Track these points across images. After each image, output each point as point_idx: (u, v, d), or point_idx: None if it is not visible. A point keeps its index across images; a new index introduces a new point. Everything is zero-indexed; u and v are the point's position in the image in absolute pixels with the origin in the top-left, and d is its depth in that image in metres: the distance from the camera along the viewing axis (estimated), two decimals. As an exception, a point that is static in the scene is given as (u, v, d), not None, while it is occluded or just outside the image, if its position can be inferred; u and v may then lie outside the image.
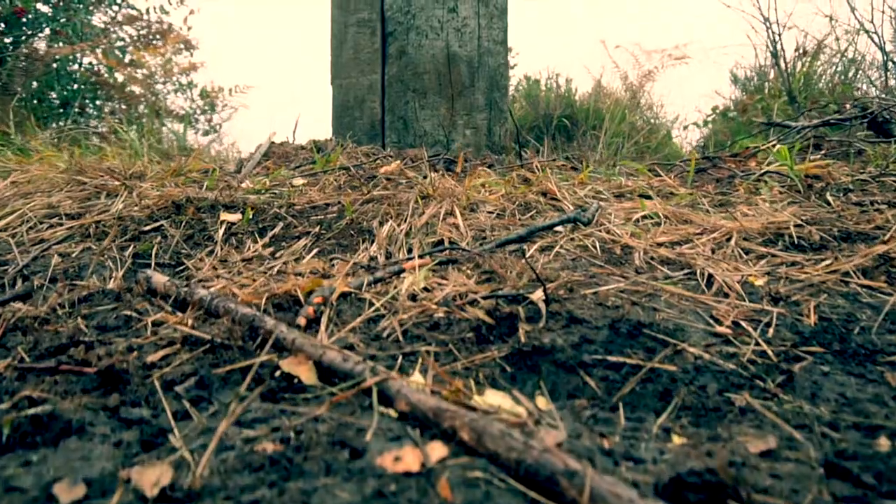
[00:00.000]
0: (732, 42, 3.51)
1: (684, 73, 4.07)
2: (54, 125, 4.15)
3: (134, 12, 4.85)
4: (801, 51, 3.39)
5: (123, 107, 3.88)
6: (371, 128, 2.47)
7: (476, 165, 1.95)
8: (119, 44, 4.20)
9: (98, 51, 3.97)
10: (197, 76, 5.28)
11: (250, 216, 1.40)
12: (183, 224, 1.38)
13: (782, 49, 2.63)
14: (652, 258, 1.22)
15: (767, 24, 2.66)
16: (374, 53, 2.47)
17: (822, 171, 1.60)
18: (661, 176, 1.82)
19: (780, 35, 2.61)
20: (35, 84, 3.84)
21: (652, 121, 3.73)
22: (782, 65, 2.57)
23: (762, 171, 1.65)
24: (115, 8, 4.80)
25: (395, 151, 2.29)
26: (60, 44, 3.72)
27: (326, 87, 2.63)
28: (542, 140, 3.61)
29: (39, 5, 4.27)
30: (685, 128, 3.67)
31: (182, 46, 5.38)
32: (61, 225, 1.42)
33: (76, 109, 3.98)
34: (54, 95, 4.22)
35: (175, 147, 3.53)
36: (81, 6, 4.41)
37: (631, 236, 1.31)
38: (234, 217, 1.41)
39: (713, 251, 1.22)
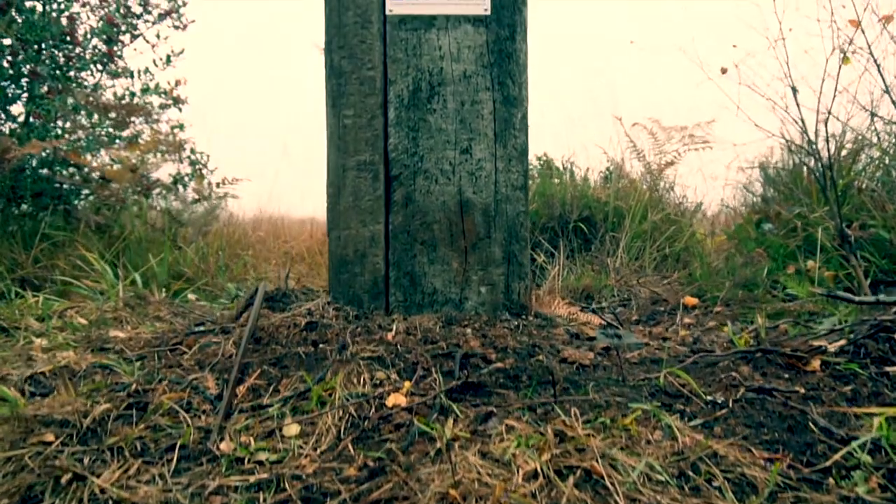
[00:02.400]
0: (759, 119, 3.23)
1: (707, 157, 3.78)
2: (27, 207, 3.83)
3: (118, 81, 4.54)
4: (840, 158, 3.11)
5: (104, 212, 3.58)
6: (373, 285, 2.18)
7: (501, 393, 1.66)
8: (99, 130, 3.89)
9: (77, 138, 3.66)
10: (187, 132, 4.97)
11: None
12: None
13: (831, 181, 2.34)
14: None
15: (816, 154, 2.36)
16: (377, 201, 2.18)
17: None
18: (716, 401, 1.53)
19: (830, 167, 2.31)
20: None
21: (674, 217, 3.45)
22: (832, 197, 2.28)
23: (857, 444, 1.36)
24: (98, 73, 4.50)
25: (403, 326, 2.00)
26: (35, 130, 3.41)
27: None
28: (558, 242, 3.33)
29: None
30: (713, 233, 3.38)
31: (171, 103, 5.09)
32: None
33: (53, 201, 3.68)
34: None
35: (161, 235, 3.24)
36: (56, 76, 4.10)
37: None
38: (208, 553, 1.12)
39: None
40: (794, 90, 2.59)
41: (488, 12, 2.17)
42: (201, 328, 2.38)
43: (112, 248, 3.29)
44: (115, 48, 4.16)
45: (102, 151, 4.27)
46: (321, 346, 1.87)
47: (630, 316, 2.70)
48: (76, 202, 3.69)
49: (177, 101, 5.10)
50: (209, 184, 3.70)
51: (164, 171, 4.85)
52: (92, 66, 4.47)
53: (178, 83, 4.64)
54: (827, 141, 2.28)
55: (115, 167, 3.45)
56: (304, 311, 2.08)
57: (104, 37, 4.14)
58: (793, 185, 3.00)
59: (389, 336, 1.94)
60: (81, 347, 2.10)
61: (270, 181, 7.43)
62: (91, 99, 3.79)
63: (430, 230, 2.17)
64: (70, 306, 2.47)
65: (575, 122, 4.02)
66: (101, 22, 4.28)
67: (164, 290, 2.77)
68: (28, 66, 3.88)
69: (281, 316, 2.06)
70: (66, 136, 3.50)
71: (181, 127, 5.07)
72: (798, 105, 2.32)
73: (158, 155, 3.75)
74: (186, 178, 4.83)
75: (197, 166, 4.98)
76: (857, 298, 1.97)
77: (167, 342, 2.09)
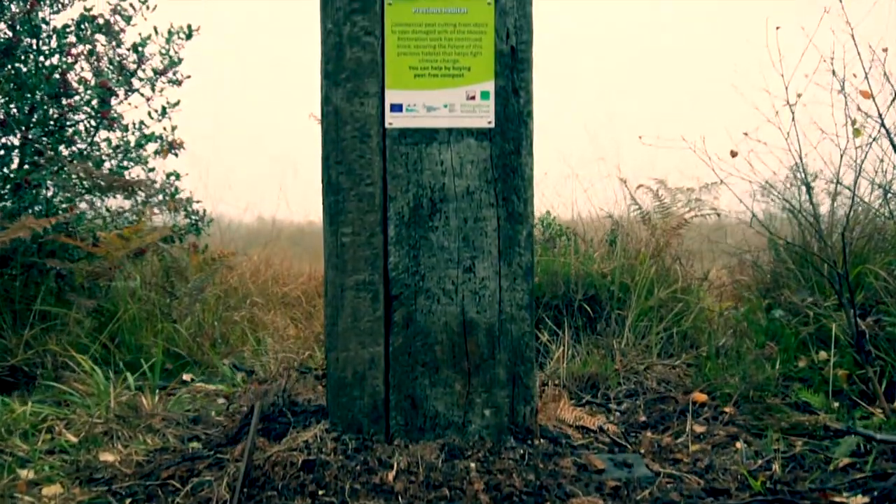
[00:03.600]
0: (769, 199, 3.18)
1: (715, 223, 3.71)
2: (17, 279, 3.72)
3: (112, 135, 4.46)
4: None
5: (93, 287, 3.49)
6: (373, 409, 2.10)
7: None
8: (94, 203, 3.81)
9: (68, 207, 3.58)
10: (182, 182, 4.88)
11: None
12: None
13: (847, 288, 2.26)
14: None
15: (831, 262, 2.27)
16: (377, 322, 2.10)
17: None
18: None
19: (847, 276, 2.23)
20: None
21: (681, 296, 3.37)
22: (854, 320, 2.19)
23: None
24: (92, 129, 4.42)
25: (404, 461, 1.92)
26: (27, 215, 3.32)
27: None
28: (562, 320, 3.25)
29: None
30: (721, 310, 3.30)
31: (167, 148, 5.01)
32: None
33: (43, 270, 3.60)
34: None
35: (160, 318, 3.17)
36: (49, 133, 4.02)
37: None
38: None
39: None
40: (809, 186, 2.51)
41: (493, 125, 2.09)
42: (195, 444, 2.31)
43: (105, 329, 3.21)
44: (110, 111, 4.07)
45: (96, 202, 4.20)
46: (320, 494, 1.79)
47: (637, 416, 2.62)
48: (68, 272, 3.60)
49: (172, 147, 5.02)
50: (204, 257, 3.62)
51: (158, 221, 4.77)
52: (86, 121, 4.40)
53: (174, 134, 4.56)
54: (844, 252, 2.19)
55: (106, 239, 3.36)
56: (301, 443, 2.00)
57: (98, 98, 4.06)
58: (801, 273, 2.92)
59: (390, 477, 1.86)
60: (69, 478, 2.02)
61: (271, 211, 7.38)
62: (89, 171, 3.71)
63: (431, 351, 2.09)
64: (59, 416, 2.39)
65: (580, 178, 3.94)
66: (94, 79, 4.20)
67: (157, 392, 2.69)
68: (20, 131, 3.81)
69: (277, 449, 1.98)
70: (59, 213, 3.41)
71: (177, 175, 4.98)
72: (815, 210, 2.24)
73: (155, 231, 3.66)
74: (182, 233, 4.75)
75: (194, 218, 4.91)
76: (878, 437, 1.89)
77: (158, 473, 2.01)
